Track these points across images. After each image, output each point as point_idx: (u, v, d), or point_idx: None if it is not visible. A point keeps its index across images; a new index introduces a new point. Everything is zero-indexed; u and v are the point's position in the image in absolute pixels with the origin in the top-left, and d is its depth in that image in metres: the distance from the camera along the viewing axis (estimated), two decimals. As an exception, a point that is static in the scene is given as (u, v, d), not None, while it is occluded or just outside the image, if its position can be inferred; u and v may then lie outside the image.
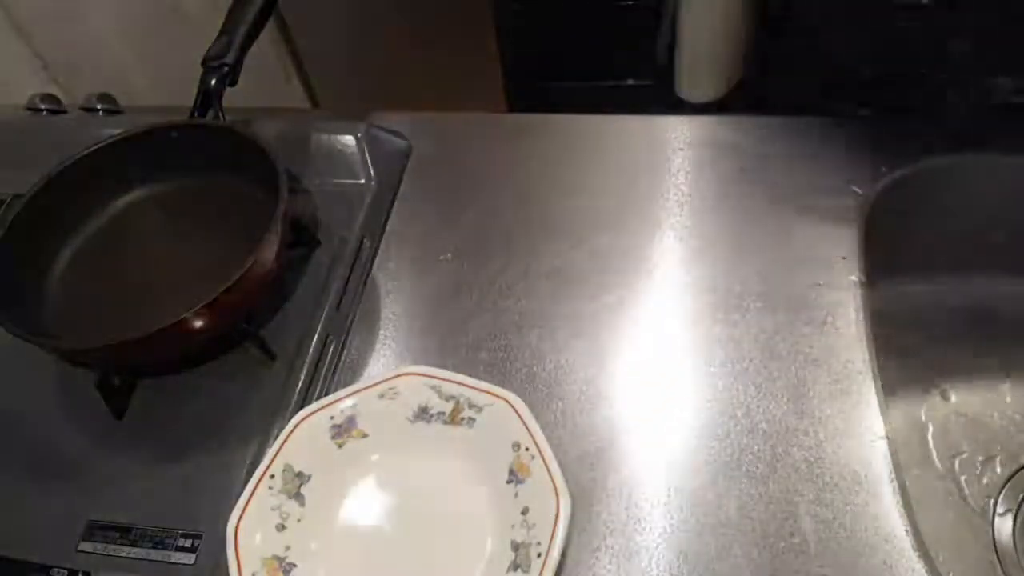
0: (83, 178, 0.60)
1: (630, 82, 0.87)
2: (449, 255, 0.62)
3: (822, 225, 0.59)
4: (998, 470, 0.62)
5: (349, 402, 0.51)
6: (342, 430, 0.51)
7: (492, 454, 0.48)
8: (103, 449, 0.53)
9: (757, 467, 0.48)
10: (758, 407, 0.51)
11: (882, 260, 0.59)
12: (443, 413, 0.51)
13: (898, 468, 0.47)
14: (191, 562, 0.48)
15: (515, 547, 0.45)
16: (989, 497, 0.61)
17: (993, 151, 0.62)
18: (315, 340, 0.56)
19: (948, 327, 0.69)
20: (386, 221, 0.65)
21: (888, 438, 0.48)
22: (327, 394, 0.53)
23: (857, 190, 0.60)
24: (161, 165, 0.62)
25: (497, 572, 0.45)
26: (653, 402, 0.52)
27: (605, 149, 0.67)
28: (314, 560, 0.47)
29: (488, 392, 0.49)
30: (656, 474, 0.49)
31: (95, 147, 0.60)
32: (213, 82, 0.60)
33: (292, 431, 0.49)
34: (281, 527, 0.47)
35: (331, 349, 0.57)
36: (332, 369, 0.56)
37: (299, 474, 0.49)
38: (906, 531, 0.45)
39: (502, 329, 0.57)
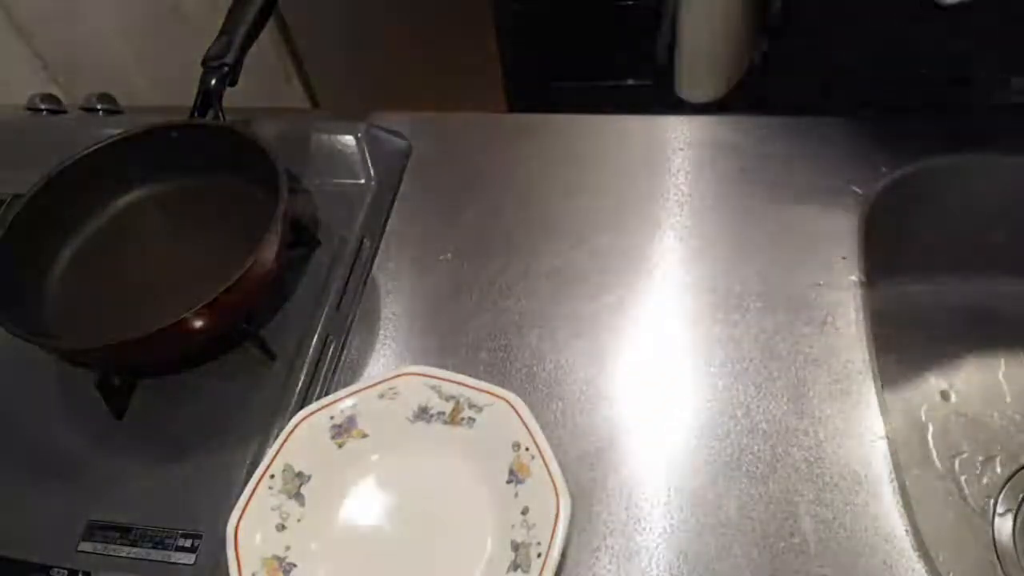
0: (83, 178, 0.60)
1: (630, 82, 0.87)
2: (449, 255, 0.62)
3: (822, 225, 0.59)
4: (998, 470, 0.62)
5: (349, 402, 0.51)
6: (342, 430, 0.51)
7: (492, 454, 0.48)
8: (103, 449, 0.53)
9: (757, 467, 0.48)
10: (758, 407, 0.51)
11: (882, 260, 0.59)
12: (443, 413, 0.51)
13: (898, 468, 0.47)
14: (191, 562, 0.48)
15: (515, 547, 0.45)
16: (989, 497, 0.61)
17: (993, 151, 0.62)
18: (315, 340, 0.56)
19: (948, 327, 0.69)
20: (386, 221, 0.65)
21: (888, 438, 0.48)
22: (327, 394, 0.53)
23: (857, 190, 0.60)
24: (161, 165, 0.62)
25: (497, 572, 0.45)
26: (653, 402, 0.52)
27: (605, 149, 0.67)
28: (314, 560, 0.47)
29: (488, 392, 0.49)
30: (656, 474, 0.49)
31: (95, 147, 0.60)
32: (213, 82, 0.60)
33: (292, 431, 0.49)
34: (281, 527, 0.47)
35: (331, 349, 0.57)
36: (332, 369, 0.56)
37: (299, 474, 0.49)
38: (906, 531, 0.45)
39: (502, 329, 0.57)
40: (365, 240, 0.62)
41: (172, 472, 0.52)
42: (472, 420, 0.50)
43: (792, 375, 0.52)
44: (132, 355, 0.53)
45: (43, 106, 0.74)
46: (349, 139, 0.66)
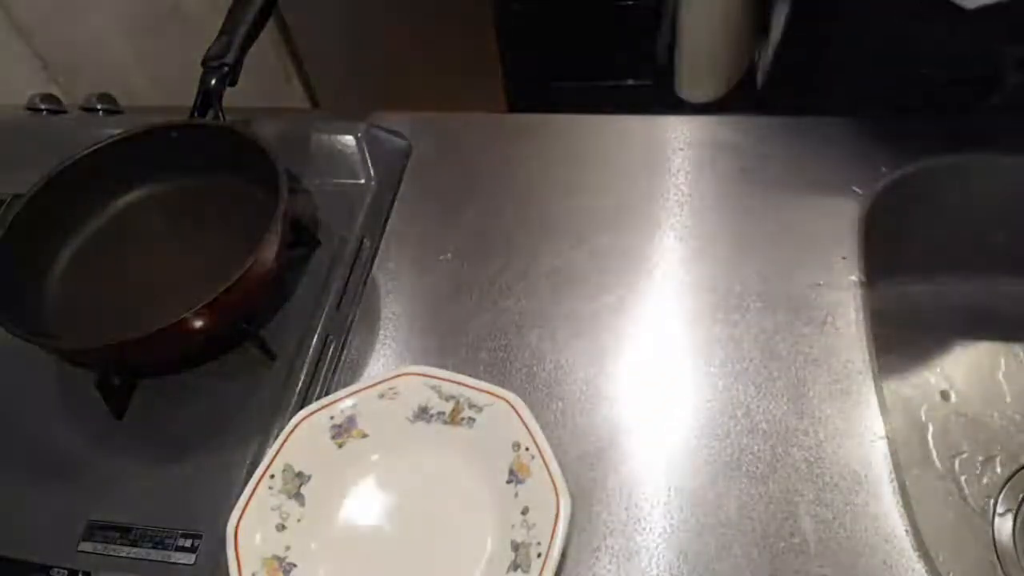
0: (83, 178, 0.60)
1: (630, 82, 0.87)
2: (449, 255, 0.62)
3: (822, 225, 0.59)
4: (998, 470, 0.62)
5: (349, 402, 0.51)
6: (342, 430, 0.51)
7: (492, 454, 0.48)
8: (103, 449, 0.53)
9: (757, 467, 0.48)
10: (758, 407, 0.51)
11: (882, 260, 0.59)
12: (443, 413, 0.51)
13: (898, 468, 0.47)
14: (191, 562, 0.47)
15: (515, 547, 0.45)
16: (989, 497, 0.61)
17: (993, 151, 0.62)
18: (315, 340, 0.56)
19: (948, 327, 0.69)
20: (386, 221, 0.65)
21: (888, 438, 0.48)
22: (327, 394, 0.53)
23: (857, 190, 0.60)
24: (161, 165, 0.62)
25: (497, 572, 0.45)
26: (653, 402, 0.52)
27: (605, 149, 0.67)
28: (314, 560, 0.47)
29: (488, 392, 0.49)
30: (656, 474, 0.49)
31: (95, 147, 0.60)
32: (213, 82, 0.61)
33: (292, 431, 0.49)
34: (281, 527, 0.47)
35: (331, 349, 0.57)
36: (332, 369, 0.56)
37: (299, 474, 0.49)
38: (906, 531, 0.45)
39: (502, 329, 0.57)
40: (365, 240, 0.62)
41: (172, 472, 0.52)
42: (472, 420, 0.50)
43: (792, 375, 0.52)
44: (132, 355, 0.53)
45: (43, 106, 0.74)
46: (349, 139, 0.66)
